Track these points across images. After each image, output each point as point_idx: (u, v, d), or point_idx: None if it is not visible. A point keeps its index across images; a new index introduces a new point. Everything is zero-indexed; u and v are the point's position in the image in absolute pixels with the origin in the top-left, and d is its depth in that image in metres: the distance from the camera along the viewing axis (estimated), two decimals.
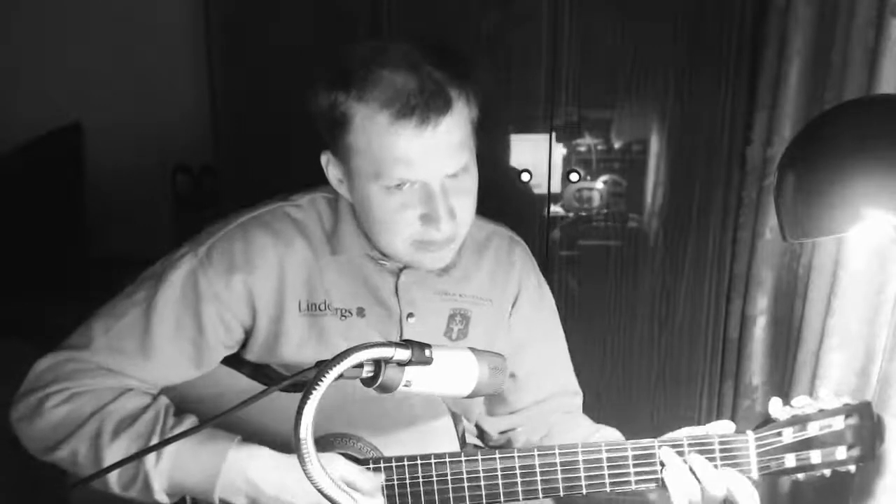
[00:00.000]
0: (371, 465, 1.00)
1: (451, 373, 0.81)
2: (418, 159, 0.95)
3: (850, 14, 1.33)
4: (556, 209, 2.04)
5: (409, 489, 1.00)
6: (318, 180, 1.10)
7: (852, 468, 0.97)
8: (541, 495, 0.99)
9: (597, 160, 2.00)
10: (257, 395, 0.74)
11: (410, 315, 1.11)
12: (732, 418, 1.73)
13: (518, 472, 0.99)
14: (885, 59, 1.17)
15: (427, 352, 0.77)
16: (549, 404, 1.21)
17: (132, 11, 2.73)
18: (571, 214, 2.03)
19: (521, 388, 1.20)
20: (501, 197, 1.99)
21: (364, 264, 1.10)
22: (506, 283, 1.19)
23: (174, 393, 1.05)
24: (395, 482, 1.00)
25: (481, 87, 1.01)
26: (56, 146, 2.80)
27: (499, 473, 0.99)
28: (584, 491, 0.99)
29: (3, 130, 2.69)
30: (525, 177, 2.01)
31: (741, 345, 1.84)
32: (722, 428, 1.00)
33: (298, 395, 0.67)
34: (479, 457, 1.00)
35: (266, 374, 1.10)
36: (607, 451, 0.99)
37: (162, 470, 0.95)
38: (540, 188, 2.02)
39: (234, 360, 1.10)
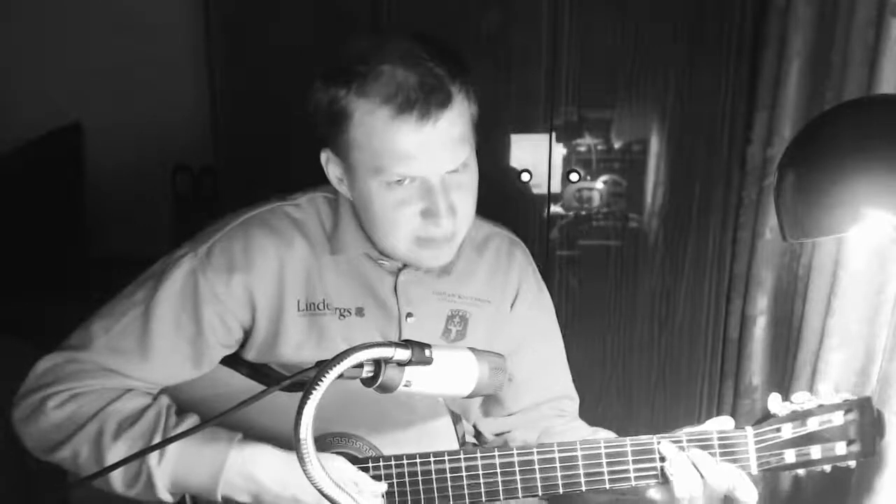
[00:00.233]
0: (370, 464, 1.00)
1: (451, 373, 0.81)
2: (419, 154, 0.95)
3: (850, 14, 1.33)
4: (556, 209, 2.04)
5: (408, 487, 1.00)
6: (318, 180, 1.10)
7: (852, 464, 0.98)
8: (540, 492, 0.99)
9: (597, 160, 2.00)
10: (258, 394, 0.74)
11: (410, 315, 1.11)
12: (732, 418, 1.73)
13: (517, 468, 0.99)
14: (885, 59, 1.17)
15: (427, 352, 0.77)
16: (546, 407, 1.21)
17: (132, 11, 2.72)
18: (571, 214, 2.03)
19: (518, 390, 1.20)
20: (501, 197, 1.99)
21: (363, 264, 1.10)
22: (505, 284, 1.19)
23: (174, 393, 1.05)
24: (395, 480, 1.00)
25: (478, 86, 1.01)
26: (56, 146, 2.80)
27: (498, 470, 0.99)
28: (584, 487, 0.99)
29: (3, 130, 2.68)
30: (525, 177, 2.01)
31: (741, 345, 1.84)
32: (721, 424, 1.00)
33: (298, 395, 0.67)
34: (478, 454, 0.99)
35: (265, 374, 1.09)
36: (606, 447, 0.99)
37: (165, 468, 0.95)
38: (540, 188, 2.02)
39: (233, 360, 1.10)
